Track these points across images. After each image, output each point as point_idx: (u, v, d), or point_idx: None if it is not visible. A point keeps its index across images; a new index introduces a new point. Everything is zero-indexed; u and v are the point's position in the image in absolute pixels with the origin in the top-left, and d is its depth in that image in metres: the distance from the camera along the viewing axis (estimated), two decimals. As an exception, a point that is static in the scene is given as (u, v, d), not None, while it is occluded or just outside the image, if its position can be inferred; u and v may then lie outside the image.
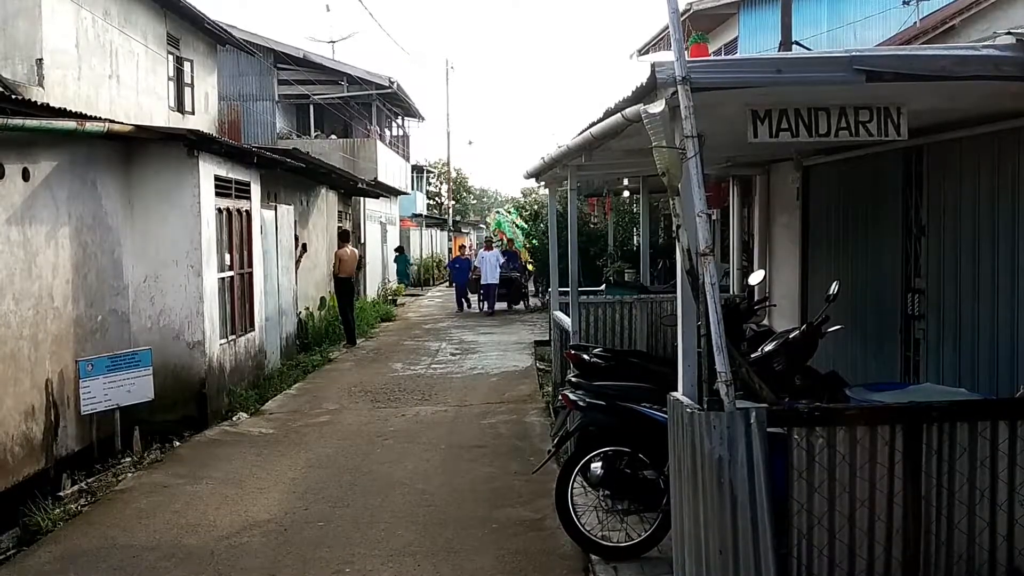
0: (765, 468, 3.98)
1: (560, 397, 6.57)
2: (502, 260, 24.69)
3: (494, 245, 25.86)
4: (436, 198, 56.84)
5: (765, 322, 9.89)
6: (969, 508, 4.19)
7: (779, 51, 13.41)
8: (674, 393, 4.45)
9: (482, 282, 24.34)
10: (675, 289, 4.70)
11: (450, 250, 48.16)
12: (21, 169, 7.93)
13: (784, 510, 4.13)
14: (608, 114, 5.30)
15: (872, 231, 8.07)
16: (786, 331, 6.64)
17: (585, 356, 6.89)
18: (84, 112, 9.07)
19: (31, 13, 12.66)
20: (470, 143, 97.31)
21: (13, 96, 7.93)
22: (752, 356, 6.22)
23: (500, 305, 24.77)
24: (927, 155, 7.06)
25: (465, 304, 25.79)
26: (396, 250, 33.33)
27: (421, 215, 42.56)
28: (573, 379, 6.50)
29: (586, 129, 6.12)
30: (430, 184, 55.66)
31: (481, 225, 52.39)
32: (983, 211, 6.32)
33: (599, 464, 5.91)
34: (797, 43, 13.51)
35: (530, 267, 27.22)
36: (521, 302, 25.57)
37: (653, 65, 4.12)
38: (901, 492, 4.16)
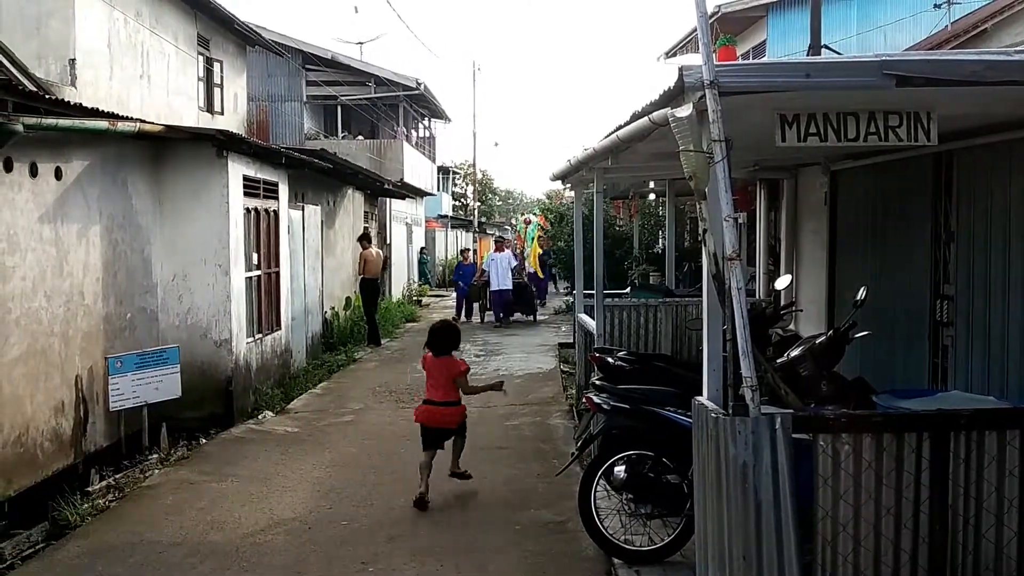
0: (790, 474, 3.96)
1: (584, 400, 6.58)
2: (515, 263, 21.85)
3: (507, 246, 22.71)
4: (462, 199, 56.91)
5: (791, 327, 9.84)
6: (997, 518, 4.15)
7: (808, 55, 13.33)
8: (699, 397, 4.44)
9: (492, 288, 21.17)
10: (700, 292, 4.68)
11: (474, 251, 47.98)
12: (54, 168, 8.04)
13: (809, 517, 4.10)
14: (635, 117, 5.30)
15: (901, 236, 8.01)
16: (813, 336, 6.59)
17: (609, 359, 6.91)
18: (116, 112, 9.17)
19: (64, 13, 12.81)
20: (496, 144, 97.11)
21: (46, 96, 8.04)
22: (778, 361, 6.18)
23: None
24: (957, 160, 6.99)
25: (464, 313, 22.42)
26: (420, 251, 33.28)
27: (447, 216, 42.67)
28: (597, 382, 6.50)
29: (612, 132, 6.12)
30: (456, 185, 55.76)
31: (506, 227, 51.84)
32: (1014, 217, 6.26)
33: (622, 468, 5.91)
34: (826, 47, 13.43)
35: (543, 272, 25.30)
36: (531, 312, 22.47)
37: (681, 69, 4.11)
38: (927, 500, 4.13)
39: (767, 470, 3.96)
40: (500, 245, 22.36)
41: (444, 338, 7.79)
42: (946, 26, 15.08)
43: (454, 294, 24.74)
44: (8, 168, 7.30)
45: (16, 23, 12.66)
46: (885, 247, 8.34)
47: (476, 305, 22.45)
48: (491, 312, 21.81)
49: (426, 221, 36.67)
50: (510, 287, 21.06)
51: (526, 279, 23.11)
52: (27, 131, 6.95)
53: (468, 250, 26.37)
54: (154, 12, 15.41)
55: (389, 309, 21.62)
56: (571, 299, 15.84)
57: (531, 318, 22.17)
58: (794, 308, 9.61)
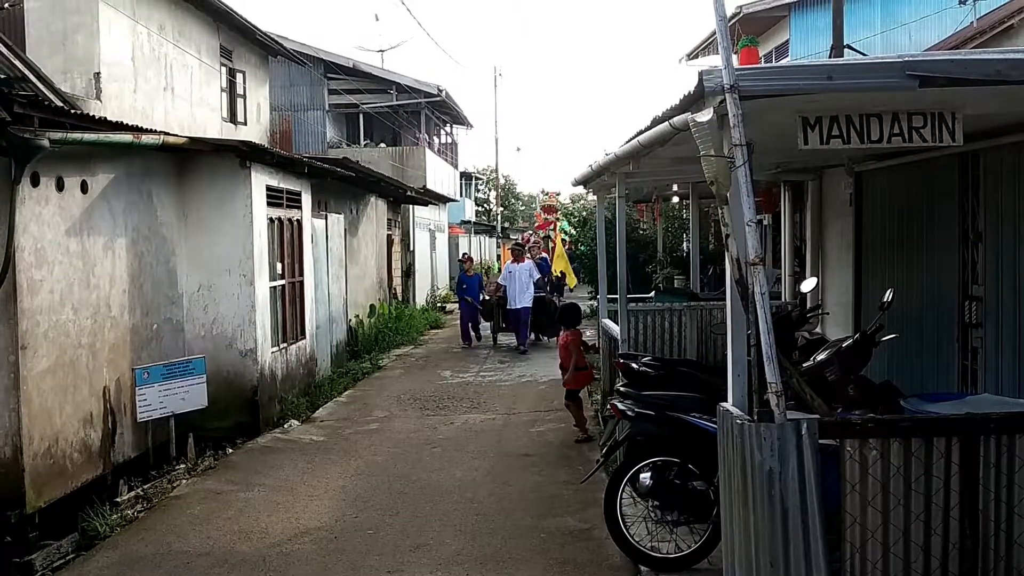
0: (817, 480, 3.92)
1: (609, 406, 6.55)
2: (536, 276, 18.07)
3: (527, 255, 18.96)
4: (485, 204, 57.01)
5: (818, 330, 9.76)
6: (1029, 523, 4.09)
7: (831, 55, 13.24)
8: (724, 404, 4.40)
9: (509, 306, 17.73)
10: (725, 296, 4.65)
11: (498, 257, 47.85)
12: (80, 182, 8.12)
13: (837, 523, 4.06)
14: (656, 122, 5.28)
15: (927, 237, 7.92)
16: (839, 340, 6.53)
17: (634, 365, 6.87)
18: (140, 124, 9.26)
19: (89, 28, 12.98)
20: (518, 150, 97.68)
21: (72, 111, 8.13)
22: (804, 365, 6.13)
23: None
24: (984, 159, 6.90)
25: (474, 335, 19.03)
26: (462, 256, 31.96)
27: (470, 222, 42.73)
28: (622, 388, 6.48)
29: (634, 137, 6.10)
30: (479, 191, 55.89)
31: (529, 233, 51.31)
32: (1043, 216, 6.17)
33: (648, 474, 5.88)
34: (848, 46, 13.32)
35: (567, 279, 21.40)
36: (556, 334, 18.65)
37: (701, 73, 4.09)
38: (958, 506, 4.07)
39: (793, 476, 3.92)
40: (519, 254, 18.33)
41: (571, 314, 10.36)
42: (971, 22, 14.92)
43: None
44: (35, 183, 7.38)
45: (43, 39, 12.86)
46: (911, 248, 8.25)
47: (488, 324, 18.97)
48: (507, 334, 18.52)
49: (449, 227, 36.74)
50: (529, 304, 17.67)
51: (548, 290, 19.45)
52: (53, 146, 7.03)
53: (469, 258, 21.23)
54: (177, 25, 15.56)
55: (413, 316, 21.66)
56: (595, 303, 15.77)
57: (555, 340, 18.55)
58: (820, 311, 9.54)
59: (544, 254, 22.99)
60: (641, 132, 5.75)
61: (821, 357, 6.14)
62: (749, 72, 4.12)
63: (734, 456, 4.16)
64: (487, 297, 18.82)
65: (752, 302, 3.98)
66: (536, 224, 35.80)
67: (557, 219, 27.80)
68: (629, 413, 6.05)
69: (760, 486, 3.95)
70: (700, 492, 5.75)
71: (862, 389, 5.84)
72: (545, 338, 18.50)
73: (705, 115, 4.08)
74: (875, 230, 9.13)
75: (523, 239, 27.66)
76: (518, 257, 18.16)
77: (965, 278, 7.27)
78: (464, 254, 23.57)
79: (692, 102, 4.38)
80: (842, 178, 9.58)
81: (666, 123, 4.86)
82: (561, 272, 20.74)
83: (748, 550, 4.09)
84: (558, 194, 40.52)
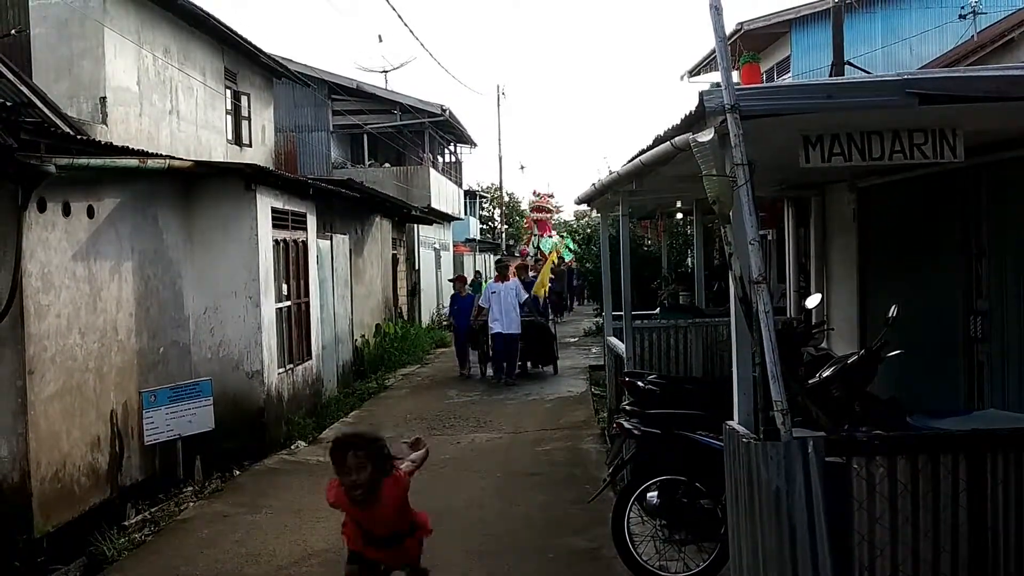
0: (824, 499, 3.91)
1: (615, 425, 6.55)
2: (523, 296, 15.90)
3: (525, 269, 17.67)
4: (489, 222, 57.08)
5: (824, 345, 9.75)
6: (1038, 539, 4.07)
7: (831, 72, 13.30)
8: (730, 422, 4.41)
9: (492, 331, 15.57)
10: (729, 313, 4.66)
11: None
12: (86, 206, 8.17)
13: (845, 541, 4.05)
14: (657, 142, 5.31)
15: (931, 252, 7.92)
16: (844, 356, 6.53)
17: (639, 383, 6.86)
18: (146, 147, 9.35)
19: (95, 54, 13.10)
20: (522, 168, 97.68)
21: (79, 136, 8.20)
22: (810, 382, 6.13)
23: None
24: (986, 174, 6.91)
25: (468, 366, 16.81)
26: (475, 275, 31.94)
27: (475, 240, 42.78)
28: (627, 407, 6.48)
29: (635, 157, 6.13)
30: (483, 209, 55.95)
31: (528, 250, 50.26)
32: (1047, 230, 6.17)
33: (655, 493, 5.88)
34: (849, 63, 13.39)
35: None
36: (552, 362, 16.81)
37: (701, 94, 4.11)
38: (966, 523, 4.06)
39: (800, 494, 3.91)
40: (504, 272, 16.30)
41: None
42: (972, 36, 14.99)
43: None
44: (42, 208, 7.43)
45: (49, 64, 12.98)
46: (916, 263, 8.25)
47: (475, 354, 16.74)
48: (492, 363, 16.19)
49: (454, 245, 36.79)
50: (518, 331, 15.51)
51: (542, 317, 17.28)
52: (60, 172, 7.08)
53: (462, 278, 18.78)
54: (182, 48, 15.68)
55: (419, 335, 21.66)
56: (600, 320, 15.72)
57: (550, 369, 16.75)
58: (825, 327, 9.52)
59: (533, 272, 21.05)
60: (643, 152, 5.78)
61: (827, 374, 6.14)
62: (749, 92, 4.15)
63: (741, 474, 4.16)
64: (471, 323, 16.49)
65: (756, 320, 3.99)
66: (525, 224, 35.19)
67: (550, 219, 27.31)
68: (635, 432, 6.05)
69: (767, 504, 3.94)
70: (708, 511, 5.74)
71: (868, 406, 5.84)
72: (540, 367, 16.84)
73: (706, 135, 4.10)
74: (879, 245, 9.13)
75: (521, 252, 27.03)
76: (502, 275, 16.16)
77: (970, 293, 7.27)
78: (457, 275, 20.76)
79: (693, 122, 4.40)
80: (845, 194, 9.59)
81: (667, 143, 4.88)
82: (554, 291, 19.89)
83: (756, 569, 4.08)
84: (551, 195, 40.25)
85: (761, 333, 3.96)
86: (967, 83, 4.19)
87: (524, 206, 58.74)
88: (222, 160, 16.24)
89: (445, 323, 23.12)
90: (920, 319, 7.96)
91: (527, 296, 16.13)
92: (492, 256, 48.17)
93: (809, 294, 10.08)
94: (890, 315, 6.32)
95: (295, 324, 11.97)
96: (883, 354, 6.09)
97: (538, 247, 32.45)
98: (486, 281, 21.35)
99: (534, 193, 35.65)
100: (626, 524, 5.85)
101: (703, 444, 5.68)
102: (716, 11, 4.17)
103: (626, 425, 6.12)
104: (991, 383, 6.89)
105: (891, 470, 4.05)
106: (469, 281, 19.67)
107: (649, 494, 5.88)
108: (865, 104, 4.14)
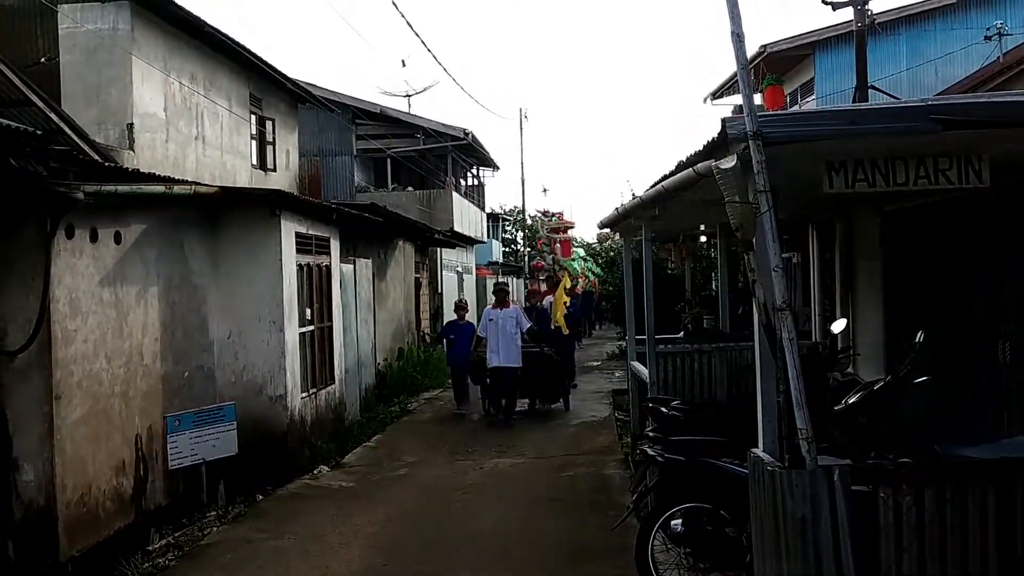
0: (850, 528, 3.87)
1: (639, 451, 6.51)
2: (525, 325, 14.28)
3: (511, 298, 16.16)
4: (512, 245, 57.11)
5: (850, 370, 9.65)
6: (1071, 570, 4.00)
7: (855, 96, 13.24)
8: (754, 450, 4.37)
9: (490, 364, 13.99)
10: (753, 337, 4.63)
11: (525, 297, 47.58)
12: (113, 232, 8.26)
13: (872, 571, 3.99)
14: (680, 168, 5.31)
15: (958, 276, 7.84)
16: (871, 382, 6.46)
17: (663, 409, 6.83)
18: (172, 173, 9.44)
19: (122, 81, 13.26)
20: (544, 191, 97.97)
21: (106, 164, 8.30)
22: (836, 408, 6.07)
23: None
24: (1011, 196, 6.84)
25: (467, 404, 15.18)
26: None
27: (497, 263, 42.80)
28: (651, 433, 6.44)
29: (658, 183, 6.14)
30: (505, 231, 56.00)
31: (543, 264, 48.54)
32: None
33: (679, 520, 5.83)
34: (872, 86, 13.33)
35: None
36: (560, 397, 14.99)
37: (724, 120, 4.12)
38: (995, 553, 4.00)
39: (826, 523, 3.88)
40: (502, 297, 14.68)
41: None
42: (998, 58, 14.89)
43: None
44: (70, 234, 7.52)
45: (78, 92, 13.15)
46: (942, 287, 8.17)
47: (476, 389, 15.09)
48: (488, 399, 14.59)
49: (477, 268, 36.84)
50: (517, 364, 13.94)
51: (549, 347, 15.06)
52: (88, 199, 7.17)
53: (465, 305, 16.60)
54: (208, 75, 15.86)
55: (442, 359, 21.63)
56: (623, 343, 15.63)
57: (561, 404, 15.02)
58: (852, 352, 9.43)
59: (549, 296, 19.42)
60: (665, 177, 5.79)
61: (852, 400, 6.07)
62: (772, 118, 4.15)
63: (766, 503, 4.12)
64: (471, 356, 14.67)
65: (780, 348, 3.97)
66: (538, 241, 34.80)
67: (567, 239, 27.18)
68: (659, 459, 6.00)
69: (793, 533, 3.91)
70: (733, 539, 5.67)
71: (895, 433, 5.76)
72: (542, 404, 14.96)
73: (729, 162, 4.10)
74: (904, 270, 9.05)
75: (536, 265, 26.11)
76: (501, 301, 14.56)
77: (998, 318, 7.19)
78: (459, 300, 18.32)
79: (715, 148, 4.41)
80: (870, 218, 9.53)
81: (690, 169, 4.89)
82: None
83: (782, 600, 4.03)
84: (560, 213, 39.59)
85: (785, 360, 3.93)
86: (992, 108, 4.17)
87: (529, 221, 58.67)
88: (247, 185, 16.36)
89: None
90: (947, 344, 7.87)
91: (529, 324, 14.47)
92: (515, 279, 48.21)
93: (835, 318, 10.00)
94: (916, 341, 6.26)
95: (318, 348, 12.01)
96: (910, 380, 6.02)
97: (561, 266, 32.35)
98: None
99: (543, 214, 35.17)
100: (650, 552, 5.80)
101: (728, 471, 5.63)
102: (737, 39, 4.18)
103: (650, 452, 6.08)
104: (1021, 409, 6.79)
105: (918, 499, 4.01)
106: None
107: (673, 521, 5.83)
108: (889, 131, 4.12)
